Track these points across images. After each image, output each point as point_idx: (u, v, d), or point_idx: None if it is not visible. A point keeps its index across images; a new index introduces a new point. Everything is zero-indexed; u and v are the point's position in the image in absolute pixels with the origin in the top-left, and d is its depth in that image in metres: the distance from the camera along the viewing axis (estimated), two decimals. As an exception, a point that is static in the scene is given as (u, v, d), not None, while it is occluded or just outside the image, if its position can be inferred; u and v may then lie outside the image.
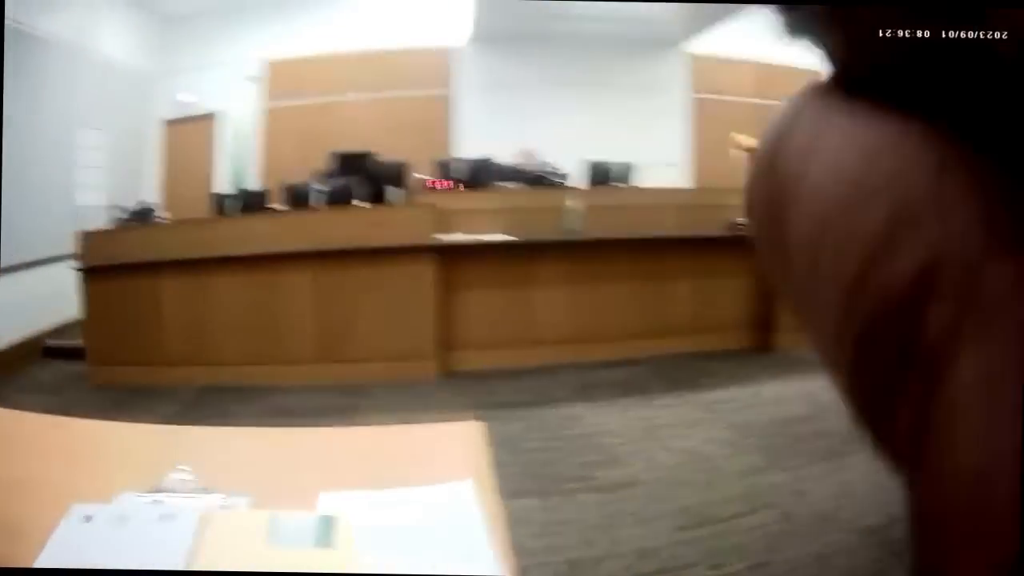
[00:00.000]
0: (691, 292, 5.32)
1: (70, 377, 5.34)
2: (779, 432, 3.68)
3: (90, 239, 5.17)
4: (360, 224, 4.86)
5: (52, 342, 6.00)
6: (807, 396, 4.19)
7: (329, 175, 5.50)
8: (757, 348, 5.32)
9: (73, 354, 5.76)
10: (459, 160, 5.59)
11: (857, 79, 0.22)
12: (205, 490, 1.19)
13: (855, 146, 0.21)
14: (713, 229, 5.46)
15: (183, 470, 1.22)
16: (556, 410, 4.14)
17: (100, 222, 5.78)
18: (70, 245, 5.68)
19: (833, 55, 0.23)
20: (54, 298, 5.97)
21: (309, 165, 6.66)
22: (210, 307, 4.95)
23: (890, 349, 0.19)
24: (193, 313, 4.98)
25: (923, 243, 0.19)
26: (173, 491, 1.19)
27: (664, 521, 2.72)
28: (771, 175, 0.25)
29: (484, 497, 1.16)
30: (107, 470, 1.31)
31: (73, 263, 5.21)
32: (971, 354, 0.18)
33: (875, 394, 0.20)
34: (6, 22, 5.53)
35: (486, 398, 4.45)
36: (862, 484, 3.05)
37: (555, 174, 5.69)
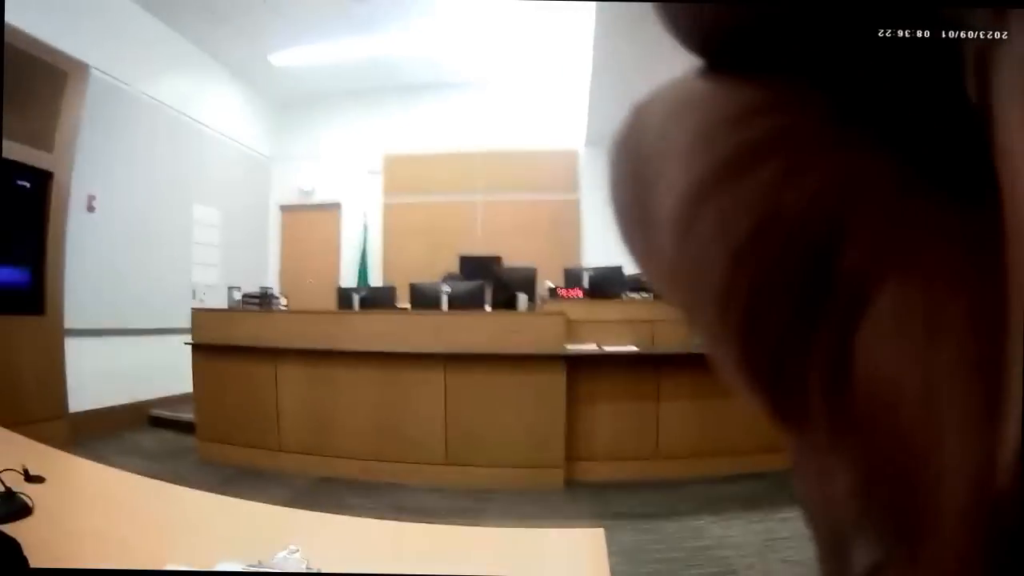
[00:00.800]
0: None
1: (175, 449, 5.44)
2: None
3: (207, 317, 5.24)
4: (491, 329, 4.87)
5: (158, 411, 6.05)
6: None
7: (456, 277, 5.54)
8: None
9: (179, 426, 5.81)
10: (588, 268, 5.60)
11: (717, 51, 0.21)
12: (309, 569, 1.24)
13: (719, 109, 0.19)
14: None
15: (293, 549, 1.25)
16: (679, 523, 4.12)
17: (215, 300, 5.84)
18: (184, 319, 5.77)
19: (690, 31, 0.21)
20: (163, 369, 6.04)
21: (433, 264, 6.74)
22: (332, 399, 4.96)
23: (790, 303, 0.18)
24: (314, 403, 5.00)
25: (825, 188, 0.17)
26: (279, 568, 1.23)
27: None
28: (632, 157, 0.22)
29: None
30: (210, 540, 1.37)
31: (188, 338, 5.26)
32: (887, 294, 0.17)
33: (775, 357, 0.19)
34: (118, 84, 5.66)
35: (611, 508, 4.42)
36: None
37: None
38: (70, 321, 5.22)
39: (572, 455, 4.92)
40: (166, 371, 6.09)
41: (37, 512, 1.36)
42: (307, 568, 1.25)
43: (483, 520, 4.29)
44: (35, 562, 1.13)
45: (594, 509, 4.40)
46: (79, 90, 5.22)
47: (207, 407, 5.19)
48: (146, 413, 5.99)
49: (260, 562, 1.24)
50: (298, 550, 1.26)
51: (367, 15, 6.51)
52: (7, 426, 4.21)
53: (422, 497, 4.56)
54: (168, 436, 5.71)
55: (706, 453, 5.08)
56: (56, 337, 5.14)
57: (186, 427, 5.63)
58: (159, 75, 6.28)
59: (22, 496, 1.39)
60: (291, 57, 7.23)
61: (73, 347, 5.26)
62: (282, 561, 1.24)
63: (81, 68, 5.22)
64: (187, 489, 1.72)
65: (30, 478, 1.50)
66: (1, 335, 4.60)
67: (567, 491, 4.77)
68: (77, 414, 5.27)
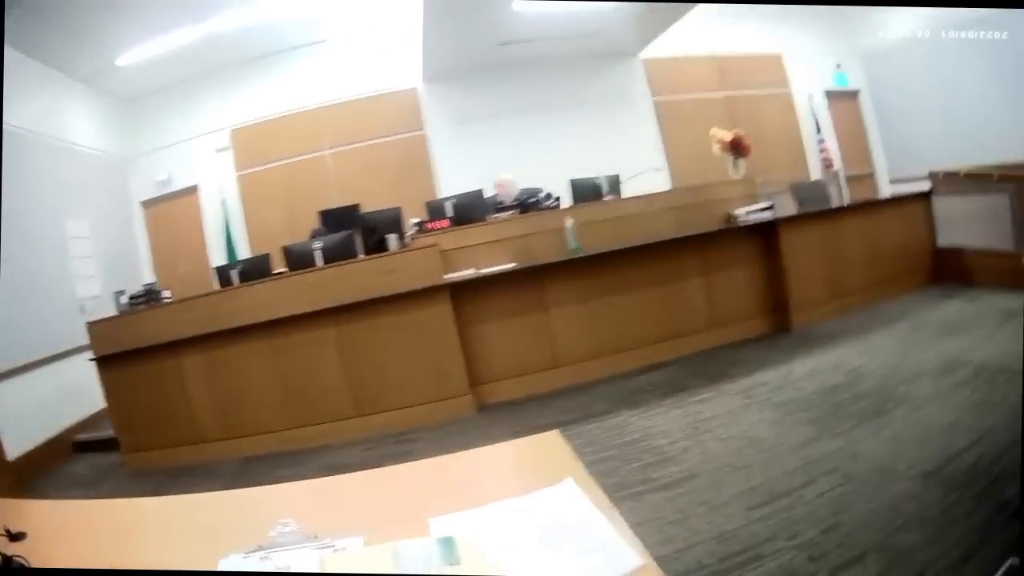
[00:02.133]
0: (703, 289, 5.47)
1: (106, 468, 5.31)
2: (821, 402, 3.86)
3: (102, 327, 5.08)
4: (371, 274, 4.89)
5: (81, 436, 5.96)
6: (836, 365, 4.45)
7: (322, 232, 5.55)
8: (776, 331, 5.54)
9: (105, 445, 5.71)
10: (450, 198, 5.67)
11: None
12: (315, 538, 1.22)
13: None
14: (710, 224, 5.67)
15: (286, 523, 1.24)
16: (603, 422, 4.23)
17: (104, 310, 5.76)
18: (79, 337, 5.67)
19: None
20: (73, 392, 5.94)
21: (296, 225, 6.75)
22: (238, 378, 4.93)
23: None
24: (222, 386, 4.96)
25: None
26: (280, 545, 1.22)
27: (734, 504, 2.84)
28: None
29: (589, 492, 1.21)
30: (199, 541, 1.34)
31: (88, 354, 5.12)
32: None
33: None
34: None
35: (529, 422, 4.52)
36: (909, 434, 3.25)
37: (546, 198, 5.81)
38: None
39: (477, 380, 5.02)
40: (78, 394, 6.01)
41: (36, 568, 1.33)
42: (314, 537, 1.23)
43: (418, 460, 4.36)
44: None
45: (513, 427, 4.49)
46: None
47: (123, 418, 5.09)
48: (70, 440, 5.91)
49: (260, 546, 1.22)
50: (290, 522, 1.24)
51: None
52: None
53: (347, 453, 4.61)
54: (96, 458, 5.57)
55: (608, 352, 5.24)
56: None
57: (110, 444, 5.47)
58: (19, 102, 6.09)
59: (18, 559, 1.33)
60: (136, 55, 7.06)
61: None
62: (284, 537, 1.22)
63: None
64: (152, 499, 1.74)
65: (13, 537, 1.42)
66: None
67: (482, 415, 4.88)
68: (12, 461, 5.13)
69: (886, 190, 8.82)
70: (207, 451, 4.98)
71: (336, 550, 1.19)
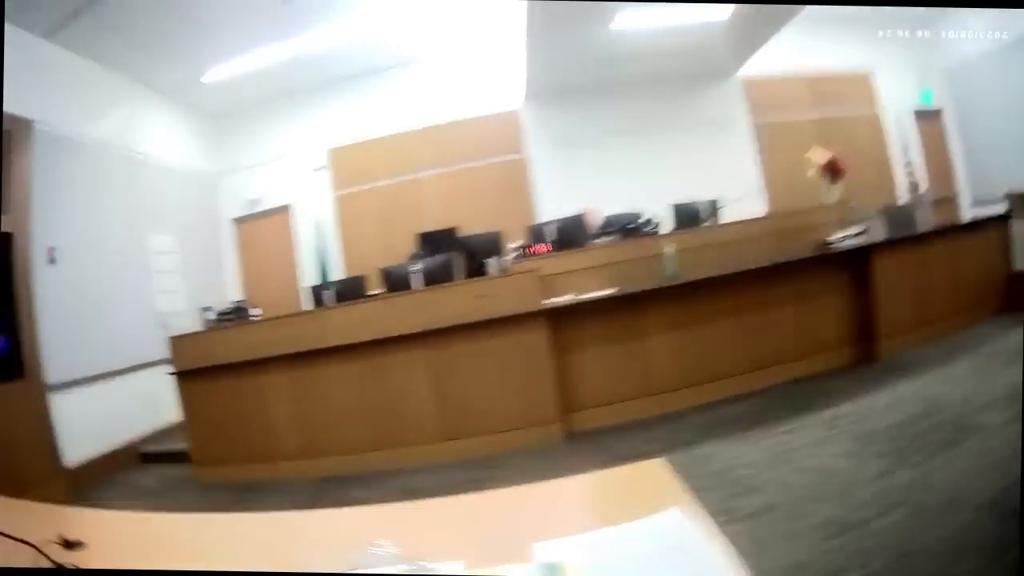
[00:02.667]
0: (793, 317, 5.34)
1: (174, 481, 5.34)
2: (899, 434, 3.82)
3: (185, 342, 5.14)
4: (467, 298, 4.85)
5: (149, 448, 5.98)
6: (916, 395, 4.37)
7: (420, 255, 5.50)
8: (862, 360, 5.39)
9: (173, 458, 5.74)
10: (551, 222, 5.59)
11: None
12: (411, 562, 1.15)
13: None
14: (802, 251, 5.52)
15: (381, 544, 1.18)
16: (688, 453, 4.15)
17: (184, 326, 5.76)
18: (155, 351, 5.68)
19: None
20: (145, 405, 5.98)
21: (390, 247, 6.71)
22: (321, 398, 4.93)
23: None
24: (303, 406, 4.96)
25: None
26: (374, 567, 1.15)
27: (810, 536, 2.84)
28: None
29: (696, 521, 1.17)
30: (277, 560, 1.28)
31: (166, 368, 5.17)
32: None
33: None
34: (60, 132, 5.57)
35: (616, 452, 4.45)
36: (977, 465, 3.23)
37: (646, 223, 5.70)
38: (50, 377, 5.12)
39: (568, 407, 4.94)
40: (149, 406, 6.04)
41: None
42: (411, 560, 1.16)
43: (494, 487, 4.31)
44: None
45: (599, 456, 4.42)
46: (24, 146, 5.12)
47: (198, 432, 5.12)
48: (138, 452, 5.92)
49: (350, 567, 1.17)
50: (383, 543, 1.19)
51: (291, 15, 6.42)
52: (7, 496, 4.15)
53: (426, 477, 4.56)
54: (163, 470, 5.62)
55: (699, 381, 5.13)
56: (39, 397, 5.03)
57: (179, 457, 5.52)
58: (99, 115, 6.17)
59: (73, 569, 1.27)
60: (223, 72, 7.12)
61: (58, 402, 5.16)
62: (379, 558, 1.16)
63: (23, 125, 5.11)
64: (235, 514, 1.62)
65: (70, 545, 1.36)
66: (-15, 410, 4.50)
67: (568, 443, 4.80)
68: (73, 468, 5.19)
69: (968, 213, 8.58)
70: (281, 469, 4.99)
71: (435, 574, 1.13)
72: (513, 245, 5.43)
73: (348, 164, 7.99)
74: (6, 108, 4.79)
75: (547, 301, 4.92)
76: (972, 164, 8.80)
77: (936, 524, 2.74)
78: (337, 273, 7.68)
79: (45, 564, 1.26)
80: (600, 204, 6.02)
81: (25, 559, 1.26)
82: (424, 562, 1.16)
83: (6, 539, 1.27)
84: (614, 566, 1.05)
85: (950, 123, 9.02)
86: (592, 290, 5.08)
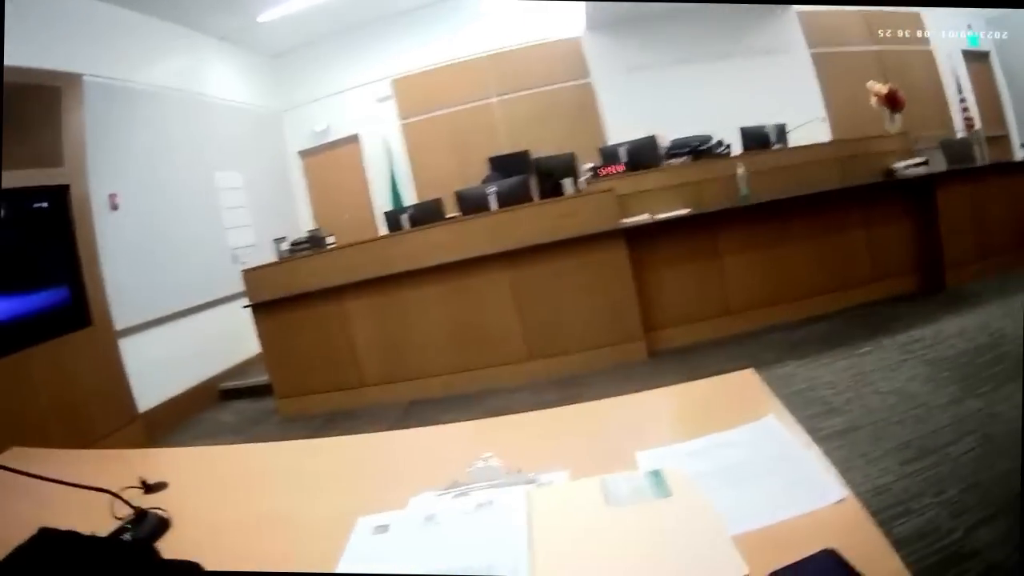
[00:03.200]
0: (863, 242, 5.36)
1: (256, 415, 5.40)
2: (967, 362, 3.85)
3: (260, 275, 5.16)
4: (546, 218, 4.88)
5: (228, 384, 6.06)
6: (982, 326, 4.39)
7: (495, 178, 5.51)
8: (931, 288, 5.42)
9: (253, 392, 5.80)
10: (623, 144, 5.59)
11: None
12: (518, 473, 1.16)
13: None
14: (868, 178, 5.53)
15: (487, 457, 1.17)
16: (770, 371, 4.16)
17: (256, 260, 5.82)
18: (230, 286, 5.73)
19: None
20: (220, 342, 6.05)
21: (463, 173, 6.74)
22: (405, 322, 4.98)
23: None
24: (387, 331, 5.00)
25: None
26: (478, 482, 1.15)
27: (890, 458, 2.88)
28: None
29: (790, 428, 1.17)
30: (382, 482, 1.26)
31: (241, 302, 5.23)
32: None
33: None
34: (112, 83, 5.63)
35: (699, 370, 4.43)
36: None
37: (717, 145, 5.71)
38: (120, 322, 5.17)
39: (649, 326, 4.99)
40: (224, 342, 6.10)
41: (177, 521, 1.20)
42: (515, 471, 1.16)
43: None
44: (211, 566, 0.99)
45: (683, 374, 4.39)
46: (76, 100, 5.13)
47: (279, 364, 5.17)
48: (215, 389, 5.99)
49: (456, 482, 1.15)
50: (491, 455, 1.17)
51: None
52: (86, 446, 4.21)
53: (514, 397, 4.61)
54: (244, 405, 5.70)
55: (774, 301, 5.18)
56: (109, 343, 5.08)
57: (260, 391, 5.61)
58: (151, 63, 6.17)
59: (155, 512, 1.20)
60: (278, 11, 7.10)
61: (129, 347, 5.22)
62: (484, 472, 1.16)
63: (73, 79, 5.12)
64: (325, 439, 1.56)
65: (150, 488, 1.32)
66: (55, 358, 4.54)
67: (652, 361, 4.86)
68: (149, 412, 5.26)
69: (1018, 153, 8.57)
70: (368, 395, 5.04)
71: (541, 484, 1.13)
72: (587, 166, 5.44)
73: (412, 93, 8.03)
74: (52, 66, 4.89)
75: (624, 220, 4.95)
76: (1019, 106, 8.78)
77: (1005, 454, 2.77)
78: (411, 199, 7.72)
79: (126, 512, 1.19)
80: (667, 129, 5.99)
81: (106, 510, 1.18)
82: (530, 472, 1.16)
83: (85, 491, 1.19)
84: (715, 472, 1.06)
85: (997, 66, 8.99)
86: (666, 210, 5.11)
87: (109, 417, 4.88)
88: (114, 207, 5.39)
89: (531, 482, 1.13)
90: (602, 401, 1.47)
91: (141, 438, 5.01)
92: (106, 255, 5.17)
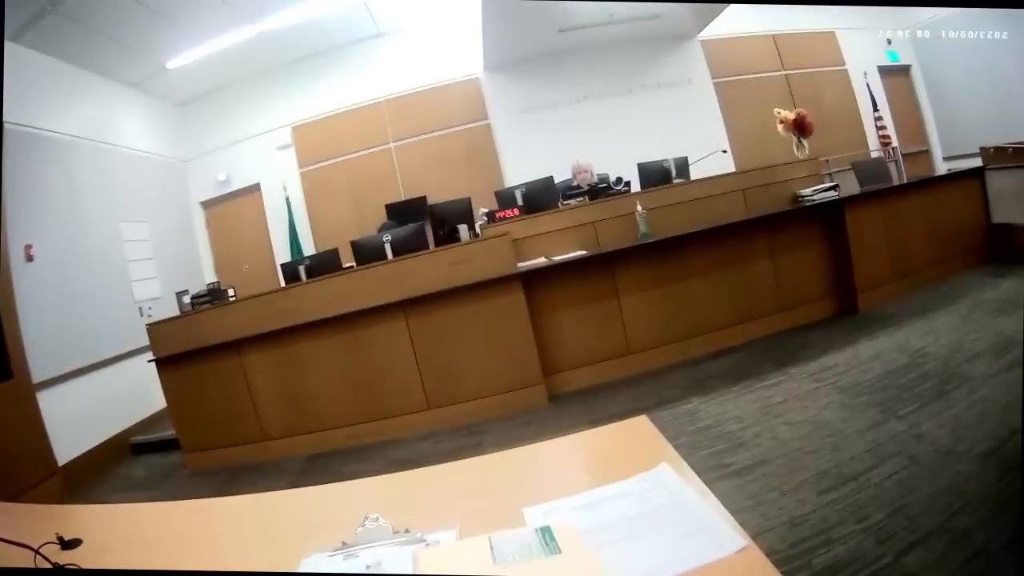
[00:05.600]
0: (771, 271, 5.38)
1: (166, 469, 5.32)
2: (886, 385, 3.84)
3: (163, 328, 5.08)
4: (441, 265, 4.85)
5: (138, 438, 5.96)
6: (900, 347, 4.40)
7: (391, 226, 5.48)
8: (842, 312, 5.44)
9: (164, 446, 5.71)
10: (519, 186, 5.57)
11: None
12: (405, 532, 1.17)
13: None
14: (777, 205, 5.54)
15: (373, 519, 1.18)
16: (675, 409, 4.18)
17: (162, 311, 5.74)
18: (136, 340, 5.63)
19: None
20: (128, 395, 5.96)
21: (362, 220, 6.71)
22: (305, 374, 4.91)
23: None
24: (287, 383, 4.93)
25: None
26: (368, 542, 1.15)
27: (805, 489, 2.84)
28: None
29: (684, 475, 1.17)
30: (276, 541, 1.28)
31: (147, 356, 5.12)
32: None
33: None
34: (29, 131, 5.54)
35: (602, 411, 4.47)
36: (968, 415, 3.24)
37: (617, 182, 5.69)
38: (37, 375, 5.06)
39: (549, 370, 4.96)
40: (135, 395, 6.01)
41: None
42: (402, 531, 1.18)
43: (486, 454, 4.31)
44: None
45: (586, 416, 4.44)
46: None
47: (185, 418, 5.08)
48: (127, 442, 5.90)
49: (345, 543, 1.17)
50: (379, 516, 1.19)
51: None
52: (7, 500, 4.12)
53: (416, 446, 4.56)
54: (154, 459, 5.60)
55: (677, 338, 5.16)
56: (28, 397, 4.96)
57: (168, 445, 5.53)
58: (64, 110, 6.11)
59: (70, 568, 1.27)
60: (186, 59, 7.09)
61: (46, 399, 5.10)
62: (372, 533, 1.17)
63: None
64: (225, 498, 1.63)
65: (66, 544, 1.38)
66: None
67: (553, 405, 4.81)
68: (68, 464, 5.16)
69: (941, 167, 8.64)
70: (271, 449, 4.98)
71: (429, 544, 1.14)
72: (482, 211, 5.42)
73: (311, 140, 8.01)
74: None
75: (521, 264, 4.93)
76: (943, 120, 8.87)
77: (932, 475, 2.75)
78: (309, 249, 7.69)
79: (45, 566, 1.27)
80: (566, 169, 6.00)
81: (25, 561, 1.27)
82: (418, 531, 1.17)
83: (5, 544, 1.28)
84: (609, 525, 1.06)
85: (919, 80, 9.08)
86: (563, 252, 5.09)
87: (30, 472, 4.76)
88: (29, 259, 5.29)
89: (420, 542, 1.14)
90: (494, 455, 1.50)
91: (60, 492, 4.89)
92: (23, 307, 5.06)
